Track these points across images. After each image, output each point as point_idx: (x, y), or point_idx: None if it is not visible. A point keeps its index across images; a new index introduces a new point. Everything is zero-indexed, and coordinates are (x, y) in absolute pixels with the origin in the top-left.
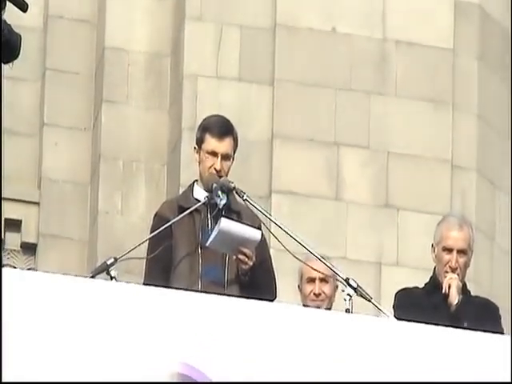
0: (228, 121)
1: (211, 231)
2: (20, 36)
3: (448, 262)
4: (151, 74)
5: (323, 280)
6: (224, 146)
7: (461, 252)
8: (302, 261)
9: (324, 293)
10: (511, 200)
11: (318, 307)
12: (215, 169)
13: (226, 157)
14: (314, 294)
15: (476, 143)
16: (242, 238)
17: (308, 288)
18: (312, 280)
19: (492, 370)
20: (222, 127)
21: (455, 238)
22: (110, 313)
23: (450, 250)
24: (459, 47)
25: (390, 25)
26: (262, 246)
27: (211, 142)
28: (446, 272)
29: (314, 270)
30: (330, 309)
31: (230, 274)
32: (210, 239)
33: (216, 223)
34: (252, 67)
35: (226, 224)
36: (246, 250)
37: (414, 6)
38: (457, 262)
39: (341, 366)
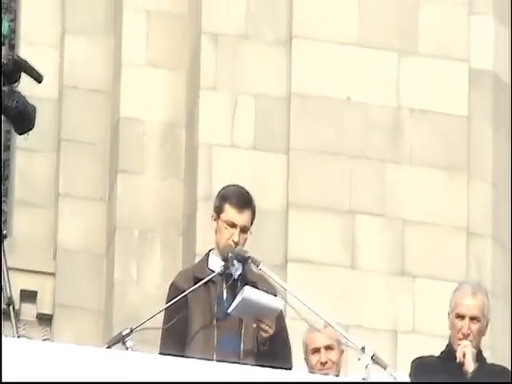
0: (248, 192)
1: (227, 302)
2: (35, 107)
3: (461, 329)
4: (166, 144)
5: (328, 348)
6: (243, 218)
7: (473, 319)
8: (318, 330)
9: (331, 360)
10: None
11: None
12: (233, 241)
13: (244, 229)
14: (321, 363)
15: (491, 210)
16: (264, 307)
17: (314, 358)
18: (317, 350)
19: None
20: (242, 199)
21: (468, 305)
22: (127, 383)
23: (462, 317)
24: (473, 114)
25: (404, 93)
26: (279, 316)
27: (231, 213)
28: (460, 339)
29: (326, 335)
30: (337, 375)
31: (245, 344)
32: (232, 307)
33: (231, 293)
34: (267, 136)
35: (249, 293)
36: (266, 319)
37: (427, 74)
38: (469, 328)
39: None
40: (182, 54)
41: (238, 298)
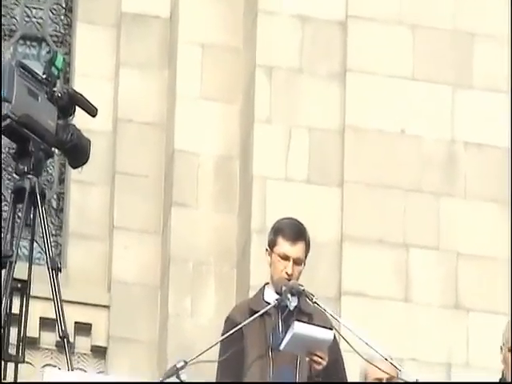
0: (301, 225)
1: (282, 334)
2: (89, 141)
3: None
4: (220, 177)
5: (389, 380)
6: (296, 250)
7: None
8: (371, 363)
9: None
10: None
11: None
12: (287, 273)
13: (297, 261)
14: None
15: None
16: (315, 340)
17: None
18: (379, 381)
19: None
20: (295, 231)
21: None
22: None
23: None
24: None
25: (459, 126)
26: (334, 346)
27: (284, 246)
28: None
29: (382, 371)
30: None
31: (301, 376)
32: (284, 343)
33: (286, 326)
34: (321, 169)
35: (299, 328)
36: (319, 352)
37: (482, 107)
38: None
39: None
40: (237, 87)
41: (289, 334)
